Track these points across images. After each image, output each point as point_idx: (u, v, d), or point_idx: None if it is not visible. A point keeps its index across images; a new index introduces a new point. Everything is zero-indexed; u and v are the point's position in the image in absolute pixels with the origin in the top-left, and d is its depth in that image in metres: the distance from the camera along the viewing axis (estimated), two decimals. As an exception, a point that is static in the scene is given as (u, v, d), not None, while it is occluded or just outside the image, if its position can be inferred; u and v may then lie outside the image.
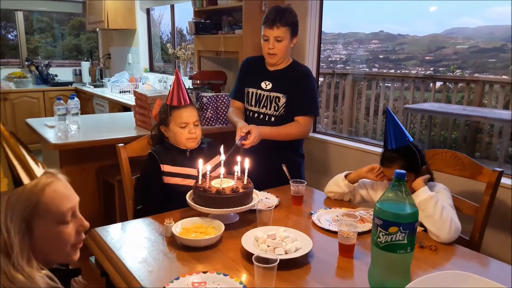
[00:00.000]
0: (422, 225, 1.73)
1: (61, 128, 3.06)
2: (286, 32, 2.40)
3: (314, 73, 3.23)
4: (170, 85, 2.13)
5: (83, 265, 1.21)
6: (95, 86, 6.34)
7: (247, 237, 1.58)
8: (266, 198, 2.10)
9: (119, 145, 2.24)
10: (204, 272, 1.38)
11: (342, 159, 3.38)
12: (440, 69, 5.33)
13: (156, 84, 5.39)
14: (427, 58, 5.49)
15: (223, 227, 1.65)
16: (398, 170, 1.27)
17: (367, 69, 5.76)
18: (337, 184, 2.09)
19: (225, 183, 1.79)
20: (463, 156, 2.05)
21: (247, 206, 1.75)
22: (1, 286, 0.94)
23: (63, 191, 1.07)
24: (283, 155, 2.49)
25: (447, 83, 4.92)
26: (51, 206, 1.03)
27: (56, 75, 6.74)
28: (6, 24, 6.96)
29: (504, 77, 4.40)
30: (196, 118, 2.15)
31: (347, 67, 5.75)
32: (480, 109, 4.37)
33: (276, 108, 2.50)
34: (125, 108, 4.79)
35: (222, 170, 1.83)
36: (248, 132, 2.25)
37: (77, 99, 3.37)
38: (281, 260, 1.34)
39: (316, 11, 3.49)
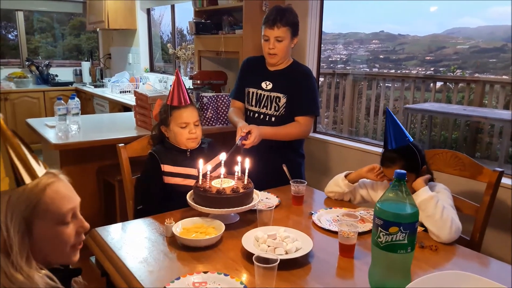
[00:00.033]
0: (422, 225, 1.73)
1: (61, 128, 3.06)
2: (287, 32, 2.40)
3: (314, 73, 3.23)
4: (171, 85, 2.13)
5: (83, 265, 1.22)
6: (96, 86, 6.35)
7: (247, 237, 1.58)
8: (267, 198, 2.10)
9: (120, 145, 2.24)
10: (205, 272, 1.38)
11: (342, 159, 3.38)
12: (441, 69, 5.33)
13: (157, 84, 5.39)
14: (428, 58, 5.49)
15: (223, 227, 1.65)
16: (398, 170, 1.27)
17: (368, 69, 5.76)
18: (337, 184, 2.09)
19: (225, 183, 1.79)
20: (463, 156, 2.05)
21: (248, 206, 1.75)
22: (1, 285, 0.95)
23: (64, 192, 1.07)
24: (283, 155, 2.49)
25: (448, 83, 4.92)
26: (52, 206, 1.03)
27: (56, 75, 6.74)
28: (7, 24, 6.96)
29: (504, 77, 4.40)
30: (197, 118, 2.15)
31: (348, 67, 5.75)
32: (480, 109, 4.37)
33: (276, 108, 2.50)
34: (125, 108, 4.80)
35: (222, 170, 1.83)
36: (249, 132, 2.25)
37: (78, 99, 3.37)
38: (281, 260, 1.34)
39: (316, 11, 3.49)
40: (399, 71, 5.53)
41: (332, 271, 1.47)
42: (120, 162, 2.24)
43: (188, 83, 4.02)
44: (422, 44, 5.52)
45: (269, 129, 2.40)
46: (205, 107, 3.34)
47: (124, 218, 2.40)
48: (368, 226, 1.75)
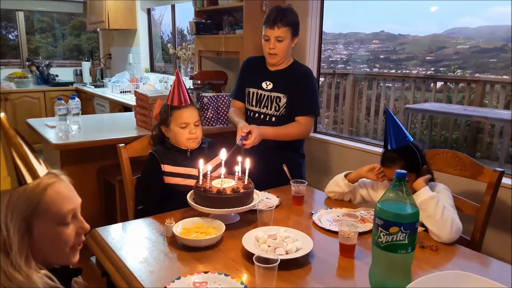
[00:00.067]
0: (423, 225, 1.73)
1: (62, 128, 3.06)
2: (287, 32, 2.40)
3: (314, 73, 3.23)
4: (171, 85, 2.13)
5: (83, 265, 1.22)
6: (96, 86, 6.35)
7: (247, 237, 1.58)
8: (267, 198, 2.10)
9: (120, 145, 2.24)
10: (205, 272, 1.38)
11: (342, 159, 3.38)
12: (441, 69, 5.33)
13: (157, 84, 5.39)
14: (428, 58, 5.49)
15: (223, 227, 1.65)
16: (399, 170, 1.27)
17: (368, 69, 5.76)
18: (337, 184, 2.09)
19: (225, 183, 1.79)
20: (464, 156, 2.05)
21: (248, 206, 1.75)
22: (1, 285, 0.95)
23: (65, 192, 1.08)
24: (283, 155, 2.49)
25: (448, 83, 4.92)
26: (52, 206, 1.04)
27: (56, 75, 6.74)
28: (7, 24, 6.96)
29: (505, 77, 4.40)
30: (197, 118, 2.15)
31: (348, 67, 5.75)
32: (481, 109, 4.37)
33: (276, 108, 2.50)
34: (125, 108, 4.80)
35: (223, 170, 1.83)
36: (249, 132, 2.25)
37: (78, 99, 3.37)
38: (281, 260, 1.34)
39: (317, 11, 3.49)
40: (399, 71, 5.53)
41: (333, 271, 1.47)
42: (120, 162, 2.24)
43: (188, 83, 4.02)
44: (423, 44, 5.53)
45: (269, 129, 2.40)
46: (205, 107, 3.34)
47: (125, 218, 2.40)
48: (369, 226, 1.75)
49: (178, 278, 1.35)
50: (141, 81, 5.80)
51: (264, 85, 2.54)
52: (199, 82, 3.85)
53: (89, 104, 6.07)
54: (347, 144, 3.36)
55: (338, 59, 6.09)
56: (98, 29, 6.80)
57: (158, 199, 2.07)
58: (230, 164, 1.93)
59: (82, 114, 3.49)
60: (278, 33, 2.38)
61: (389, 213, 1.24)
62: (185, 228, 1.67)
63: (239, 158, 1.88)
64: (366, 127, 5.29)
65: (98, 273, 1.64)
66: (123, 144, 2.26)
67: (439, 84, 4.96)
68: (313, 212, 1.93)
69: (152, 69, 6.34)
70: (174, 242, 1.62)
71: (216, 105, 3.39)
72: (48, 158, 3.39)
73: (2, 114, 0.93)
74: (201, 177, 1.81)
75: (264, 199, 2.05)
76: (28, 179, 0.98)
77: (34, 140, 3.60)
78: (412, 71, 5.48)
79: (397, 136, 1.77)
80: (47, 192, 1.03)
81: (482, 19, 4.97)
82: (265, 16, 2.44)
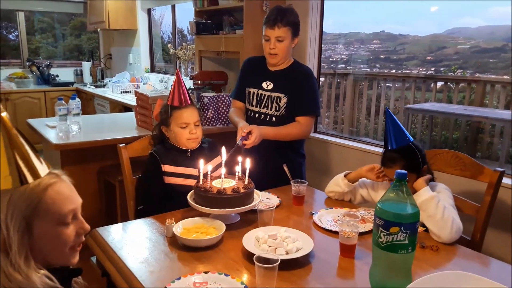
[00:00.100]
0: (423, 225, 1.73)
1: (62, 128, 3.06)
2: (287, 32, 2.40)
3: (315, 73, 3.23)
4: (171, 86, 2.14)
5: (84, 265, 1.22)
6: (96, 87, 6.35)
7: (248, 237, 1.58)
8: (267, 198, 2.10)
9: (120, 145, 2.25)
10: (206, 272, 1.39)
11: (343, 159, 3.38)
12: (441, 69, 5.33)
13: (157, 85, 5.40)
14: (428, 58, 5.49)
15: (224, 227, 1.65)
16: (399, 170, 1.27)
17: (368, 69, 5.75)
18: (337, 183, 2.09)
19: (226, 183, 1.80)
20: (464, 156, 2.05)
21: (248, 206, 1.75)
22: (0, 285, 0.95)
23: (66, 193, 1.08)
24: (284, 155, 2.49)
25: (448, 83, 4.92)
26: (52, 206, 1.04)
27: (57, 76, 6.74)
28: (7, 25, 6.97)
29: (505, 77, 4.39)
30: (197, 119, 2.16)
31: (348, 67, 5.75)
32: (481, 109, 4.37)
33: (277, 108, 2.50)
34: (126, 108, 4.80)
35: (223, 170, 1.83)
36: (249, 132, 2.25)
37: (78, 100, 3.37)
38: (282, 260, 1.34)
39: (317, 11, 3.49)
40: (399, 71, 5.53)
41: (333, 271, 1.47)
42: (121, 162, 2.24)
43: (188, 83, 4.02)
44: (423, 44, 5.52)
45: (269, 129, 2.39)
46: (205, 107, 3.34)
47: (125, 218, 2.40)
48: (369, 226, 1.75)
49: (178, 279, 1.35)
50: (141, 81, 5.80)
51: (264, 85, 2.54)
52: (199, 82, 3.85)
53: (89, 104, 6.07)
54: (348, 144, 3.36)
55: (339, 59, 6.09)
56: (98, 29, 6.81)
57: (158, 199, 2.07)
58: (230, 164, 1.93)
59: (82, 114, 3.49)
60: (278, 33, 2.38)
61: (390, 213, 1.24)
62: (186, 228, 1.67)
63: (240, 158, 1.88)
64: (367, 127, 5.29)
65: (98, 273, 1.64)
66: (124, 144, 2.26)
67: (439, 84, 4.96)
68: (313, 212, 1.93)
69: (153, 69, 6.34)
70: (174, 242, 1.62)
71: (217, 105, 3.39)
72: (48, 158, 3.39)
73: (4, 114, 0.93)
74: (201, 177, 1.81)
75: (264, 199, 2.05)
76: (29, 178, 0.98)
77: (35, 140, 3.57)
78: (413, 71, 5.48)
79: (397, 136, 1.77)
80: (48, 192, 1.03)
81: (483, 19, 4.98)
82: (265, 16, 2.44)
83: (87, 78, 6.88)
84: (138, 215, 2.07)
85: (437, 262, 1.53)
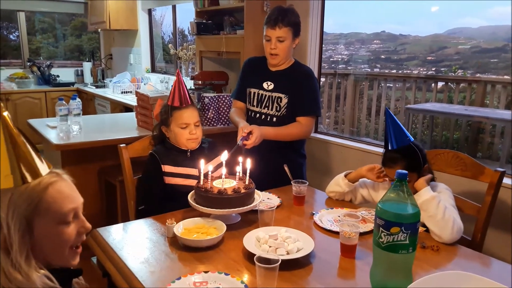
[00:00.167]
0: (423, 225, 1.73)
1: (63, 128, 3.06)
2: (288, 33, 2.40)
3: (315, 74, 3.23)
4: (172, 86, 2.14)
5: (84, 266, 1.22)
6: (97, 87, 6.35)
7: (248, 238, 1.58)
8: (268, 198, 2.10)
9: (121, 145, 2.25)
10: (206, 272, 1.39)
11: (343, 159, 3.38)
12: (442, 69, 5.32)
13: (158, 85, 5.40)
14: (429, 58, 5.49)
15: (224, 227, 1.65)
16: (399, 170, 1.27)
17: (369, 69, 5.75)
18: (338, 183, 2.09)
19: (226, 184, 1.80)
20: (465, 156, 2.05)
21: (249, 206, 1.75)
22: (0, 285, 0.95)
23: (67, 192, 1.08)
24: (284, 156, 2.49)
25: (449, 83, 4.91)
26: (53, 205, 1.04)
27: (58, 76, 6.75)
28: (8, 25, 6.97)
29: (506, 77, 4.39)
30: (197, 119, 2.15)
31: (349, 68, 5.74)
32: (482, 109, 4.36)
33: (278, 109, 2.50)
34: (127, 108, 4.80)
35: (223, 170, 1.83)
36: (250, 133, 2.25)
37: (79, 100, 3.37)
38: (282, 261, 1.34)
39: (317, 11, 3.49)
40: (400, 71, 5.53)
41: (334, 271, 1.47)
42: (121, 162, 2.24)
43: (189, 83, 4.02)
44: (424, 44, 5.52)
45: (270, 129, 2.39)
46: (206, 107, 3.34)
47: (126, 219, 2.40)
48: (370, 226, 1.74)
49: (179, 278, 1.35)
50: (142, 82, 5.80)
51: (265, 85, 2.54)
52: (200, 82, 3.86)
53: (90, 105, 6.08)
54: (348, 144, 3.36)
55: (339, 59, 6.09)
56: (99, 30, 6.81)
57: (158, 199, 2.07)
58: (231, 164, 1.93)
59: (83, 114, 3.50)
60: (279, 33, 2.38)
61: (390, 213, 1.24)
62: (186, 228, 1.67)
63: (240, 159, 1.88)
64: (367, 127, 5.29)
65: (99, 273, 1.64)
66: (124, 145, 2.26)
67: (440, 84, 4.95)
68: (314, 212, 1.93)
69: (153, 69, 6.34)
70: (175, 242, 1.62)
71: (217, 106, 3.39)
72: (49, 158, 3.37)
73: (6, 113, 0.93)
74: (202, 177, 1.81)
75: (265, 199, 2.05)
76: (30, 178, 0.98)
77: (35, 140, 3.57)
78: (413, 71, 5.47)
79: (397, 136, 1.77)
80: (48, 191, 1.03)
81: (483, 19, 4.98)
82: (266, 17, 2.45)
83: (88, 78, 6.88)
84: (139, 215, 2.07)
85: (438, 262, 1.53)
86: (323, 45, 3.64)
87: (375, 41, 5.84)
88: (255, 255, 1.33)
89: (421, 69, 5.49)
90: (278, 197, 2.11)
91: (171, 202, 2.04)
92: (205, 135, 2.26)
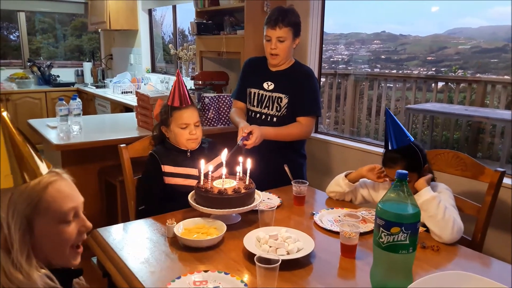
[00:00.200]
0: (424, 225, 1.73)
1: (63, 128, 3.06)
2: (289, 33, 2.40)
3: (316, 74, 3.23)
4: (172, 86, 2.14)
5: (85, 266, 1.22)
6: (97, 87, 6.36)
7: (249, 238, 1.58)
8: (268, 198, 2.10)
9: (121, 145, 2.25)
10: (205, 271, 1.39)
11: (344, 159, 3.38)
12: (442, 69, 5.32)
13: (158, 85, 5.40)
14: (429, 58, 5.49)
15: (225, 227, 1.65)
16: (400, 171, 1.27)
17: (369, 70, 5.75)
18: (338, 183, 2.09)
19: (227, 184, 1.80)
20: (465, 156, 2.05)
21: (249, 206, 1.75)
22: (0, 285, 0.95)
23: (66, 191, 1.08)
24: (284, 156, 2.49)
25: (449, 83, 4.91)
26: (53, 204, 1.04)
27: (58, 76, 6.75)
28: (8, 25, 6.97)
29: (506, 77, 4.39)
30: (197, 119, 2.15)
31: (349, 68, 5.74)
32: (482, 109, 4.36)
33: (278, 109, 2.50)
34: (127, 108, 4.80)
35: (224, 170, 1.83)
36: (250, 133, 2.25)
37: (79, 100, 3.38)
38: (283, 261, 1.34)
39: (318, 12, 3.49)
40: (400, 71, 5.53)
41: (334, 271, 1.47)
42: (121, 162, 2.24)
43: (189, 83, 4.03)
44: (424, 44, 5.52)
45: (270, 129, 2.40)
46: (206, 107, 3.34)
47: (126, 219, 2.40)
48: (370, 226, 1.74)
49: (178, 278, 1.35)
50: (142, 82, 5.80)
51: (265, 85, 2.54)
52: (200, 82, 3.86)
53: (90, 105, 6.08)
54: (348, 145, 3.36)
55: (339, 59, 6.09)
56: (99, 30, 6.81)
57: (158, 199, 2.07)
58: (231, 164, 1.93)
59: (83, 114, 3.50)
60: (279, 33, 2.39)
61: (390, 213, 1.24)
62: (186, 228, 1.68)
63: (240, 159, 1.88)
64: (367, 128, 5.29)
65: (99, 273, 1.64)
66: (124, 145, 2.26)
67: (440, 84, 4.95)
68: (314, 212, 1.93)
69: (153, 69, 6.34)
70: (175, 242, 1.62)
71: (217, 106, 3.39)
72: (49, 158, 3.39)
73: (5, 113, 0.93)
74: (202, 178, 1.81)
75: (265, 200, 2.06)
76: (30, 177, 0.99)
77: (35, 140, 3.56)
78: (413, 71, 5.47)
79: (397, 136, 1.77)
80: (48, 190, 1.03)
81: (483, 19, 4.97)
82: (266, 17, 2.45)
83: (88, 78, 6.88)
84: (139, 215, 2.07)
85: (438, 262, 1.53)
86: (323, 45, 3.64)
87: (375, 41, 5.84)
88: (255, 255, 1.33)
89: (421, 69, 5.49)
90: (278, 197, 2.11)
91: (171, 202, 2.04)
92: (205, 135, 2.26)
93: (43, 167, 1.01)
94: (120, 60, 6.90)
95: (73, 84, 6.77)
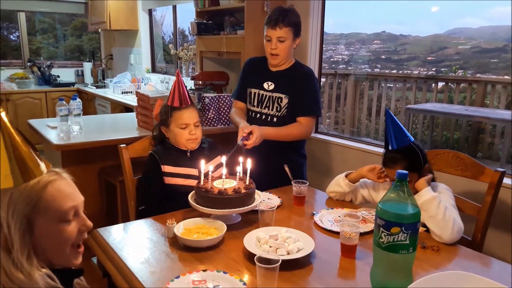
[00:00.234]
0: (424, 225, 1.73)
1: (63, 129, 3.07)
2: (289, 33, 2.40)
3: (316, 74, 3.23)
4: (172, 86, 2.14)
5: (85, 266, 1.22)
6: (97, 87, 6.36)
7: (249, 238, 1.58)
8: (268, 198, 2.10)
9: (121, 145, 2.25)
10: (204, 271, 1.39)
11: (344, 159, 3.38)
12: (442, 69, 5.32)
13: (158, 85, 5.40)
14: (429, 58, 5.49)
15: (225, 227, 1.65)
16: (400, 171, 1.27)
17: (369, 70, 5.75)
18: (338, 184, 2.09)
19: (227, 184, 1.79)
20: (465, 157, 2.05)
21: (249, 206, 1.75)
22: (1, 285, 0.95)
23: (66, 190, 1.08)
24: (285, 156, 2.49)
25: (449, 84, 4.92)
26: (53, 204, 1.04)
27: (58, 76, 6.75)
28: (9, 25, 6.97)
29: (506, 77, 4.39)
30: (197, 119, 2.15)
31: (349, 68, 5.75)
32: (482, 109, 4.36)
33: (278, 109, 2.50)
34: (127, 109, 4.80)
35: (224, 170, 1.83)
36: (250, 133, 2.25)
37: (79, 100, 3.37)
38: (283, 261, 1.34)
39: (318, 12, 3.49)
40: (400, 72, 5.53)
41: (334, 271, 1.47)
42: (121, 162, 2.24)
43: (190, 83, 4.02)
44: (424, 44, 5.52)
45: (270, 129, 2.40)
46: (207, 107, 3.34)
47: (126, 219, 2.40)
48: (370, 226, 1.74)
49: (177, 277, 1.35)
50: (142, 82, 5.81)
51: (265, 85, 2.54)
52: (200, 82, 3.86)
53: (90, 105, 6.08)
54: (349, 145, 3.36)
55: (340, 59, 6.09)
56: (99, 30, 6.81)
57: (158, 199, 2.07)
58: (231, 164, 1.93)
59: (83, 114, 3.50)
60: (280, 33, 2.39)
61: (391, 213, 1.24)
62: (187, 228, 1.68)
63: (241, 159, 1.88)
64: (368, 128, 5.29)
65: (99, 273, 1.64)
66: (125, 145, 2.26)
67: (440, 84, 4.95)
68: (314, 212, 1.93)
69: (154, 69, 6.34)
70: (175, 242, 1.62)
71: (218, 106, 3.39)
72: (49, 158, 3.39)
73: (3, 113, 0.93)
74: (202, 178, 1.81)
75: (265, 200, 2.05)
76: (29, 177, 0.98)
77: (36, 140, 3.57)
78: (414, 72, 5.48)
79: (397, 136, 1.77)
80: (47, 190, 1.03)
81: (483, 19, 4.98)
82: (267, 17, 2.45)
83: (88, 78, 6.88)
84: (139, 215, 2.07)
85: (438, 262, 1.53)
86: (324, 45, 3.64)
87: (375, 41, 5.84)
88: (255, 255, 1.33)
89: (422, 69, 5.49)
90: (278, 197, 2.11)
91: (171, 202, 2.04)
92: (205, 135, 2.26)
93: (42, 167, 1.01)
94: (120, 60, 6.90)
95: (73, 84, 6.77)
